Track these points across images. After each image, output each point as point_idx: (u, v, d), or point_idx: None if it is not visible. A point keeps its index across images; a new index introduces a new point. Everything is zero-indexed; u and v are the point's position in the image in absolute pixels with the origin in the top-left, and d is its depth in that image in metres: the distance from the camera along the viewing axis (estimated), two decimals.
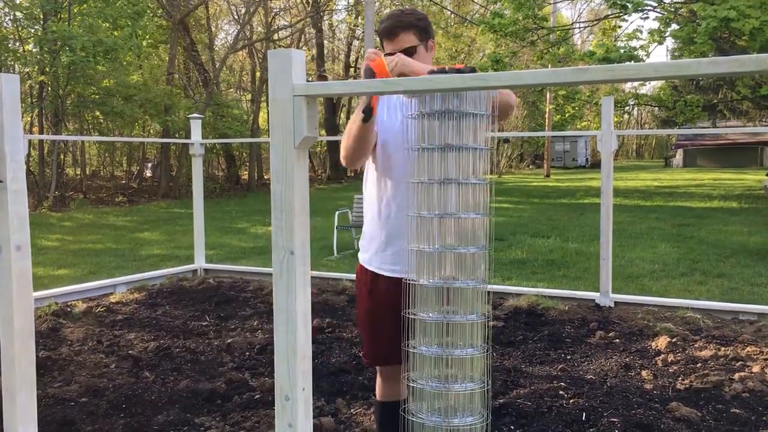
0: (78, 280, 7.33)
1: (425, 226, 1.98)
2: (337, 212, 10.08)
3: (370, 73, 2.10)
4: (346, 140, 2.30)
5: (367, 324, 2.51)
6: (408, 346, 2.00)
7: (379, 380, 2.61)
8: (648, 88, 38.62)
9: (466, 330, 1.95)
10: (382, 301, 2.40)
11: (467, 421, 1.91)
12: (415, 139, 1.99)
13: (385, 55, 2.29)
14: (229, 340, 4.82)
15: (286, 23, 29.43)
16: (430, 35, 2.37)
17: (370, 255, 2.47)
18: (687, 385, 3.86)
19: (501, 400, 3.61)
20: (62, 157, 20.61)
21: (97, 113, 21.24)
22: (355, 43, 32.11)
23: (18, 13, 18.57)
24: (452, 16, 31.25)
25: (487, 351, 1.98)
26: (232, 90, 33.33)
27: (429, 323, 1.95)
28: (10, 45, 19.40)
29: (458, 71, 1.77)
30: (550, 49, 16.08)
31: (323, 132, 28.23)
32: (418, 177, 1.98)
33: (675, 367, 4.19)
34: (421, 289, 1.98)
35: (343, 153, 2.34)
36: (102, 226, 13.75)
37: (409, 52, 2.28)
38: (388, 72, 2.13)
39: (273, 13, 28.37)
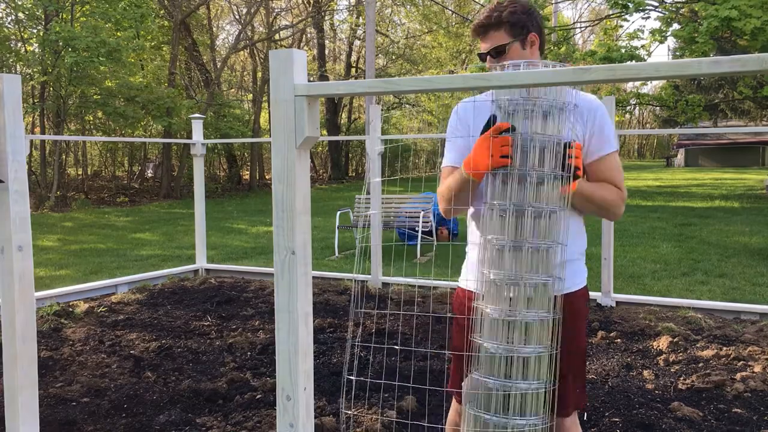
0: (79, 280, 7.34)
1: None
2: (338, 212, 10.08)
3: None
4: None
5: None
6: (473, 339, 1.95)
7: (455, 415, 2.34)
8: (649, 88, 38.59)
9: (534, 328, 1.92)
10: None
11: (530, 422, 1.88)
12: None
13: (478, 54, 2.20)
14: (230, 340, 4.82)
15: (287, 23, 29.45)
16: (528, 29, 2.12)
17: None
18: (688, 385, 3.85)
19: None
20: (64, 157, 20.64)
21: (99, 114, 21.27)
22: (357, 43, 32.12)
23: (20, 14, 18.59)
24: (453, 15, 31.24)
25: (555, 351, 1.93)
26: (233, 90, 33.37)
27: (495, 320, 1.93)
28: (12, 45, 19.42)
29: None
30: (552, 49, 16.07)
31: (325, 132, 28.23)
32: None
33: (676, 367, 4.19)
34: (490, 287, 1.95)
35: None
36: (103, 227, 13.76)
37: (499, 51, 2.11)
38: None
39: (274, 14, 28.39)
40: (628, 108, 18.84)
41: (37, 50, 18.59)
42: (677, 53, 21.86)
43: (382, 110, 6.57)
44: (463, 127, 2.15)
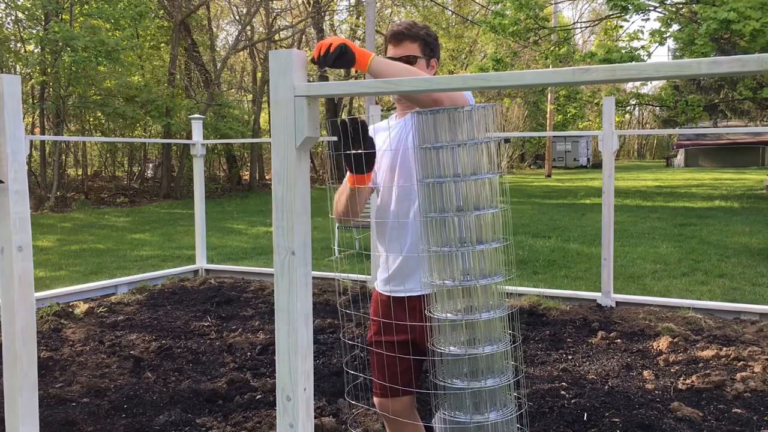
0: (79, 280, 7.34)
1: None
2: None
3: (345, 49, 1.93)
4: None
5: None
6: (433, 314, 1.99)
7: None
8: (649, 88, 38.63)
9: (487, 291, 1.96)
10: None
11: (493, 382, 1.90)
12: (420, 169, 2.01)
13: (387, 57, 2.28)
14: (230, 341, 4.82)
15: (287, 24, 29.45)
16: (434, 54, 2.37)
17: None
18: (688, 385, 3.86)
19: None
20: (63, 157, 20.62)
21: (99, 114, 21.27)
22: (357, 43, 32.10)
23: (20, 14, 18.59)
24: (453, 16, 31.24)
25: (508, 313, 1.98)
26: (233, 90, 33.36)
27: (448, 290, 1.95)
28: (11, 46, 19.42)
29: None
30: (552, 49, 16.06)
31: (324, 132, 28.24)
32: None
33: (676, 367, 4.19)
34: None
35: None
36: (103, 227, 13.76)
37: (410, 60, 2.28)
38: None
39: (274, 14, 28.38)
40: (628, 108, 18.82)
41: (36, 50, 18.59)
42: (677, 54, 21.85)
43: (382, 110, 6.58)
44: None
